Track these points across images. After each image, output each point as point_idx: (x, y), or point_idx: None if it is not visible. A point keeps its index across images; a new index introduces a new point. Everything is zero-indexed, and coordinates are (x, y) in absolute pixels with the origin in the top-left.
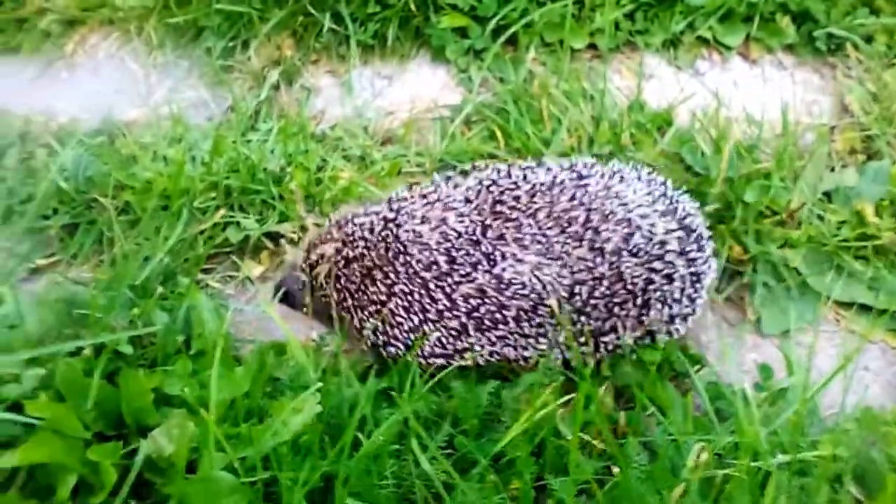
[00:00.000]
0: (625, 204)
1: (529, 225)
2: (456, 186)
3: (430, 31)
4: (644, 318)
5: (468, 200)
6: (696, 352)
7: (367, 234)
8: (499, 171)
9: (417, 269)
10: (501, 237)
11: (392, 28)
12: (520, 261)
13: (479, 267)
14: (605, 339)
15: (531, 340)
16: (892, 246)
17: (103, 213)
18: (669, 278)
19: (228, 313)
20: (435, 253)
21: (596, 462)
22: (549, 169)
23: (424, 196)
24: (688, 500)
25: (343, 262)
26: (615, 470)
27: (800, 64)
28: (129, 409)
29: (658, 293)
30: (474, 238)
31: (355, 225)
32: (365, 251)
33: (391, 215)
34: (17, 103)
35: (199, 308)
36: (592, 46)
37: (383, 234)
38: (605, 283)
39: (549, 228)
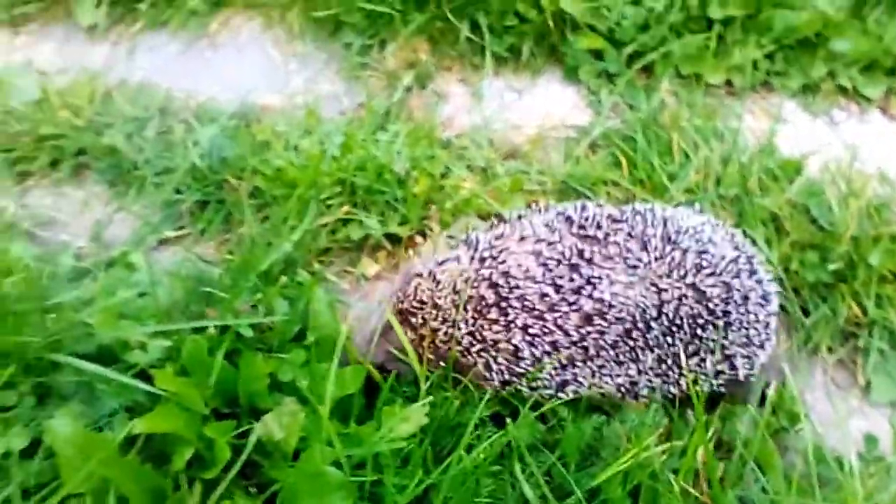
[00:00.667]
0: (694, 227)
1: (615, 244)
2: (531, 222)
3: (566, 49)
4: (725, 340)
5: (551, 230)
6: (798, 410)
7: (461, 279)
8: (571, 206)
9: (531, 302)
10: (592, 260)
11: (528, 43)
12: (614, 282)
13: (583, 292)
14: (690, 362)
15: (625, 367)
16: None
17: (233, 194)
18: (745, 298)
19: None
20: (541, 284)
21: None
22: (615, 207)
23: (501, 236)
24: None
25: (449, 310)
26: None
27: None
28: (244, 391)
29: (735, 314)
30: (573, 263)
31: (449, 273)
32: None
33: (485, 254)
34: (160, 77)
35: (316, 302)
36: (728, 83)
37: (485, 273)
38: (689, 301)
39: (631, 249)
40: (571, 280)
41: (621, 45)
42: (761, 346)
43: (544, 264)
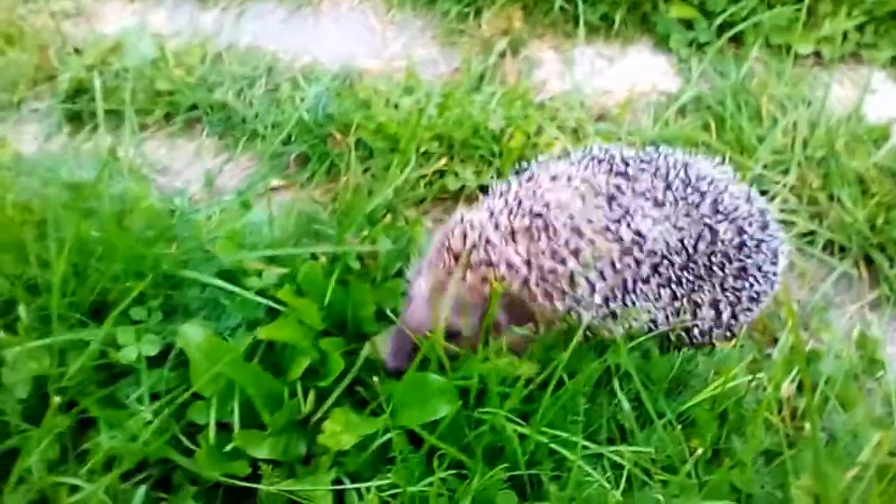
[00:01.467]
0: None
1: (645, 181)
2: (558, 165)
3: (657, 19)
4: (737, 285)
5: (582, 168)
6: (880, 357)
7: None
8: (597, 147)
9: (577, 227)
10: (625, 194)
11: (620, 12)
12: (646, 216)
13: (622, 222)
14: (700, 299)
15: (651, 304)
16: None
17: (336, 147)
18: (758, 247)
19: None
20: (584, 211)
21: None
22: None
23: (531, 178)
24: (862, 482)
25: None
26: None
27: None
28: (353, 316)
29: (750, 259)
30: (610, 195)
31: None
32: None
33: (520, 194)
34: (265, 42)
35: (419, 238)
36: (817, 54)
37: (526, 206)
38: (705, 241)
39: (657, 187)
40: (611, 210)
41: (712, 14)
42: (758, 300)
43: (582, 196)
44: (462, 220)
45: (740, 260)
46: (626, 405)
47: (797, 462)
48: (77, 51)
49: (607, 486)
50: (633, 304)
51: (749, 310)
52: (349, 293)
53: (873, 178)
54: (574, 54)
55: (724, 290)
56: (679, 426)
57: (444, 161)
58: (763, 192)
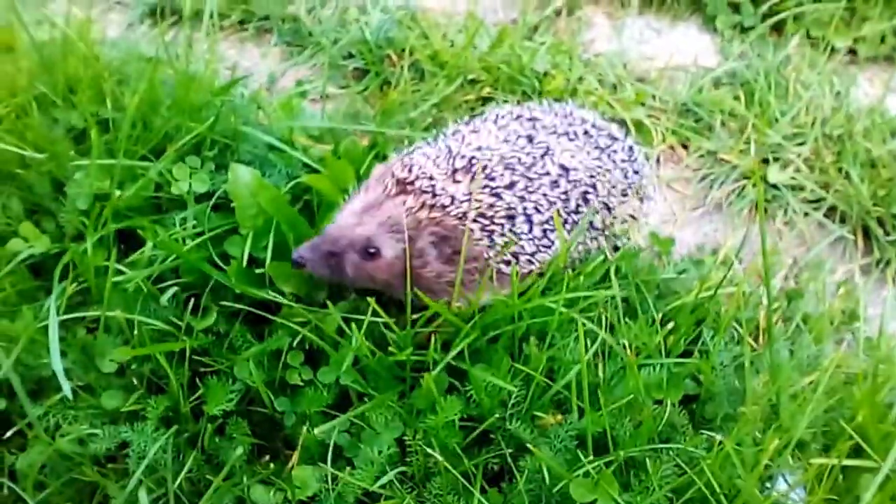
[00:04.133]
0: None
1: (555, 124)
2: (474, 123)
3: (709, 0)
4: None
5: (496, 121)
6: (860, 312)
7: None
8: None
9: (510, 164)
10: (540, 134)
11: None
12: (564, 150)
13: (545, 157)
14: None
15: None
16: None
17: (392, 68)
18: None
19: None
20: (510, 152)
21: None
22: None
23: (455, 132)
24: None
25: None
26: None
27: None
28: None
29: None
30: (528, 135)
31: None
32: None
33: (450, 142)
34: None
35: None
36: (852, 51)
37: (460, 150)
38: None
39: (567, 128)
40: (534, 148)
41: (759, 1)
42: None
43: (505, 140)
44: (403, 159)
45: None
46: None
47: (758, 364)
48: None
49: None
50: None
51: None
52: None
53: (884, 162)
54: (625, 22)
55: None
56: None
57: (488, 89)
58: (777, 160)
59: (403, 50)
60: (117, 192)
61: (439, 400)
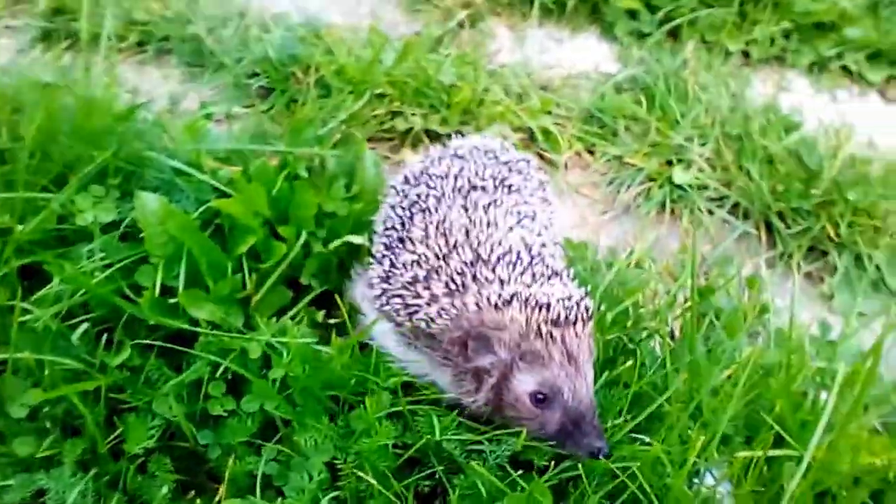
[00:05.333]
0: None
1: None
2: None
3: (607, 9)
4: None
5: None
6: (768, 304)
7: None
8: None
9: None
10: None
11: None
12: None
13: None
14: None
15: None
16: None
17: (297, 86)
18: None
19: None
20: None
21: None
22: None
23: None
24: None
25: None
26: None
27: None
28: (294, 215)
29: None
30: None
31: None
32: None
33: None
34: None
35: (363, 156)
36: (745, 53)
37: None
38: None
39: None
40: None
41: (656, 9)
42: None
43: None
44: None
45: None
46: None
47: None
48: None
49: None
50: None
51: None
52: (294, 192)
53: (781, 159)
54: (527, 33)
55: None
56: None
57: (396, 103)
58: (680, 161)
59: (308, 67)
60: (18, 227)
61: (374, 424)
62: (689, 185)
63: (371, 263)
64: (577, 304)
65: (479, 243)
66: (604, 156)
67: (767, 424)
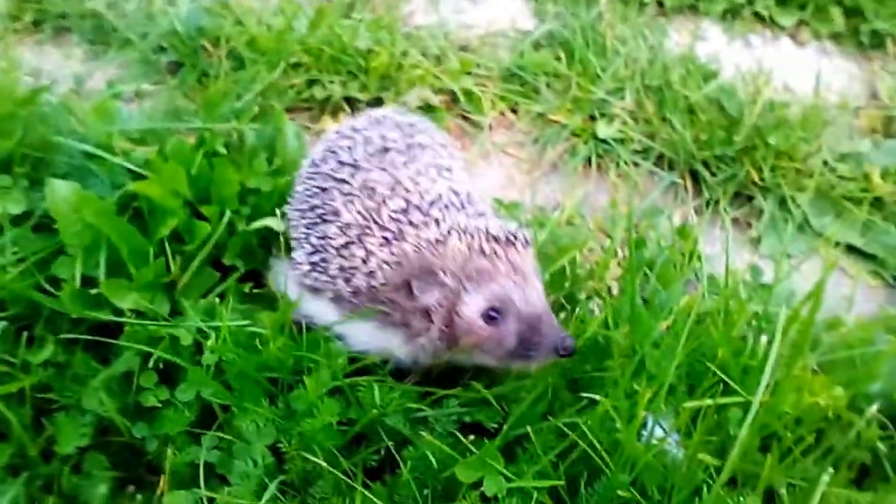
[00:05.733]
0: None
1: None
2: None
3: None
4: None
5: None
6: (698, 252)
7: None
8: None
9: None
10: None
11: None
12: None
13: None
14: None
15: None
16: (890, 197)
17: (208, 59)
18: None
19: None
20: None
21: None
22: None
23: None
24: (675, 328)
25: None
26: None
27: (842, 53)
28: (216, 194)
29: None
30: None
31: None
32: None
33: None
34: None
35: (284, 128)
36: (660, 3)
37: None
38: None
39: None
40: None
41: None
42: None
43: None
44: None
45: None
46: None
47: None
48: None
49: None
50: None
51: None
52: (214, 170)
53: (702, 107)
54: None
55: None
56: None
57: (312, 71)
58: (603, 115)
59: (218, 39)
60: None
61: (316, 403)
62: (614, 139)
63: (293, 249)
64: (517, 232)
65: (407, 192)
66: (527, 114)
67: (710, 372)
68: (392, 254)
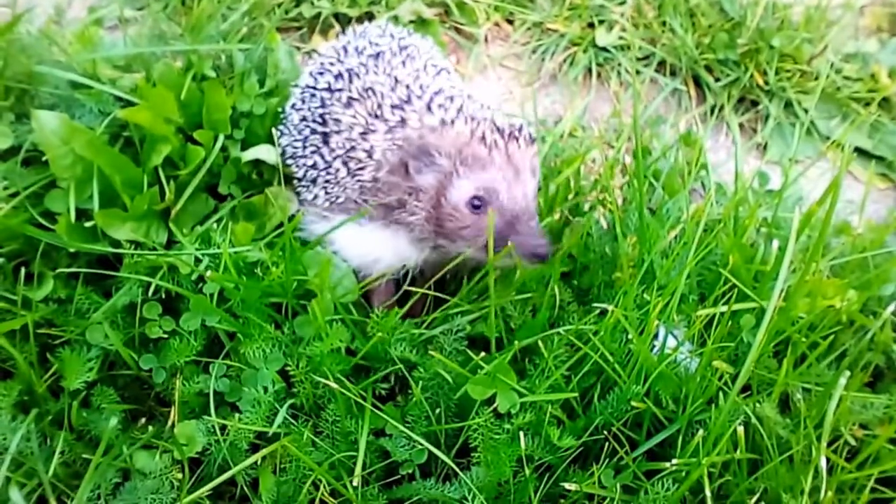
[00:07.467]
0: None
1: None
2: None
3: None
4: None
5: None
6: (704, 160)
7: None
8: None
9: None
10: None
11: None
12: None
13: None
14: None
15: None
16: None
17: None
18: None
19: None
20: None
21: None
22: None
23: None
24: (684, 236)
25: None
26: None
27: None
28: (208, 119)
29: None
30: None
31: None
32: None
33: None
34: None
35: (275, 48)
36: None
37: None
38: None
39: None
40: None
41: None
42: None
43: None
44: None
45: None
46: None
47: (623, 227)
48: None
49: None
50: None
51: None
52: (205, 94)
53: (703, 10)
54: None
55: None
56: None
57: None
58: (602, 22)
59: None
60: None
61: (324, 327)
62: (614, 47)
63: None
64: (521, 127)
65: (408, 86)
66: (523, 24)
67: (721, 280)
68: (394, 141)
